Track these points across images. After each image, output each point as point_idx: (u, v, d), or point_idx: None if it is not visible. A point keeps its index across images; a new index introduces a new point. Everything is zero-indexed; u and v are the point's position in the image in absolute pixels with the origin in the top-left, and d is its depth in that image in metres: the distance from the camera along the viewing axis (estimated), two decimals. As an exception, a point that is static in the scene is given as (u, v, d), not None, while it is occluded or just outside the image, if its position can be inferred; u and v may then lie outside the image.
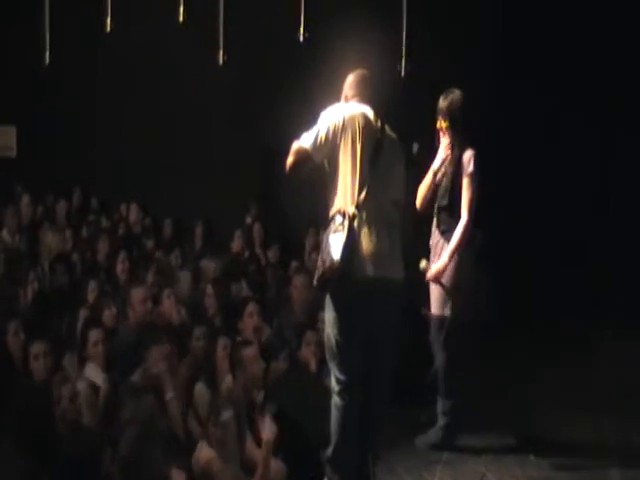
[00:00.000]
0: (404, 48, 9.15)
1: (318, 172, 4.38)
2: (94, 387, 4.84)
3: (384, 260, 4.17)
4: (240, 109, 9.97)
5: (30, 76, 10.37)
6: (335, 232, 4.08)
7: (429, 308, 5.17)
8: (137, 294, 5.79)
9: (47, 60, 9.87)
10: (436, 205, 5.22)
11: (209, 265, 7.37)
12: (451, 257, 5.05)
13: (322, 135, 4.31)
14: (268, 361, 5.37)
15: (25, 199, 9.11)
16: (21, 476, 3.86)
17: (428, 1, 9.16)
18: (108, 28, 9.69)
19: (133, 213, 9.54)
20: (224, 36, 9.67)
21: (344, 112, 4.38)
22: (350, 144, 4.28)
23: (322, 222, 4.47)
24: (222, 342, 5.29)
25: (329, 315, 4.24)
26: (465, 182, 5.08)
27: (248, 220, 9.36)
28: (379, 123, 4.41)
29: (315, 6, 9.38)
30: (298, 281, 6.45)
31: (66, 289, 6.80)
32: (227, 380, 5.06)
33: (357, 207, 4.15)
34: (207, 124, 10.11)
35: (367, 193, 4.18)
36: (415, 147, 8.10)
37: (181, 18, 9.55)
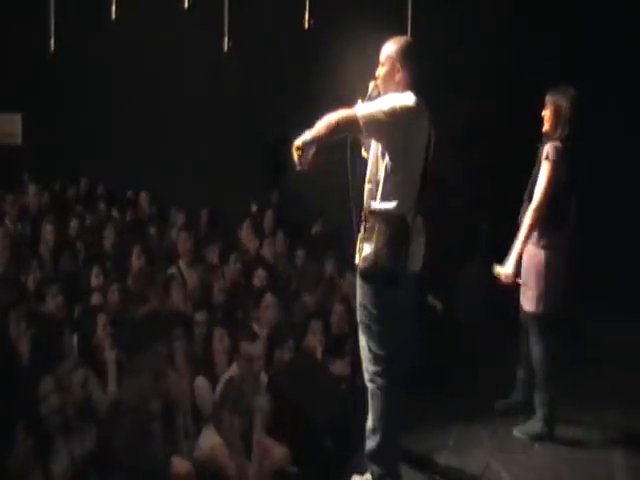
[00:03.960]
0: (409, 35, 9.11)
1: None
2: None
3: (420, 255, 4.18)
4: (245, 96, 9.95)
5: (35, 63, 10.37)
6: (395, 236, 3.99)
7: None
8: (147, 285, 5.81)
9: (52, 47, 9.88)
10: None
11: (214, 253, 7.36)
12: (521, 248, 4.88)
13: (385, 116, 3.90)
14: (273, 349, 5.38)
15: (32, 189, 9.11)
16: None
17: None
18: (113, 15, 9.70)
19: (144, 201, 9.54)
20: (229, 23, 9.66)
21: (417, 109, 3.98)
22: (416, 146, 4.01)
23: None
24: (218, 333, 5.28)
25: (373, 299, 4.07)
26: (542, 168, 4.93)
27: (253, 208, 9.34)
28: (430, 118, 4.10)
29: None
30: (306, 270, 6.44)
31: (70, 277, 6.80)
32: (232, 369, 5.06)
33: (414, 214, 4.05)
34: (212, 111, 10.09)
35: (421, 196, 4.07)
36: None
37: (186, 4, 9.54)
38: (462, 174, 8.82)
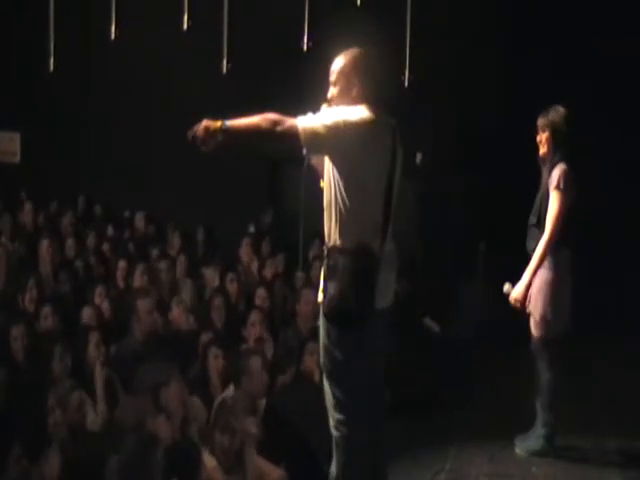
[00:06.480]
0: (408, 58, 9.17)
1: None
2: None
3: (391, 289, 3.82)
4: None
5: (34, 82, 10.40)
6: (362, 272, 3.56)
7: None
8: (144, 305, 5.78)
9: (51, 67, 9.92)
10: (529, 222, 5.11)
11: (212, 273, 7.34)
12: (531, 276, 4.90)
13: (328, 131, 3.46)
14: (275, 374, 5.37)
15: (27, 206, 9.12)
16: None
17: (433, 10, 9.18)
18: (113, 35, 9.74)
19: (140, 221, 9.55)
20: (228, 45, 9.70)
21: (371, 124, 3.57)
22: (372, 165, 3.57)
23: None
24: (213, 352, 5.26)
25: (338, 342, 3.72)
26: (552, 196, 4.91)
27: (251, 229, 9.34)
28: (394, 133, 3.67)
29: (319, 15, 9.41)
30: (303, 294, 6.41)
31: (69, 296, 6.81)
32: (230, 389, 5.06)
33: (382, 243, 3.61)
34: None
35: (389, 223, 3.65)
36: (418, 157, 8.12)
37: (185, 26, 9.58)
38: (460, 193, 8.85)
